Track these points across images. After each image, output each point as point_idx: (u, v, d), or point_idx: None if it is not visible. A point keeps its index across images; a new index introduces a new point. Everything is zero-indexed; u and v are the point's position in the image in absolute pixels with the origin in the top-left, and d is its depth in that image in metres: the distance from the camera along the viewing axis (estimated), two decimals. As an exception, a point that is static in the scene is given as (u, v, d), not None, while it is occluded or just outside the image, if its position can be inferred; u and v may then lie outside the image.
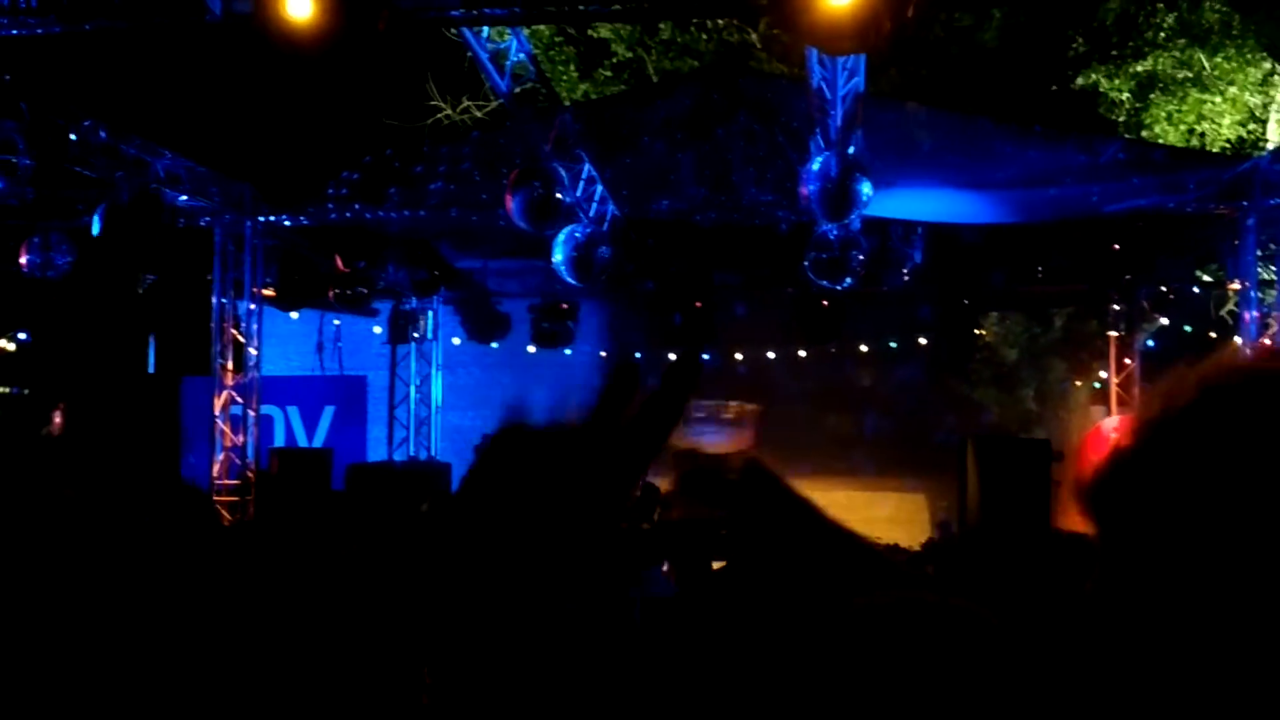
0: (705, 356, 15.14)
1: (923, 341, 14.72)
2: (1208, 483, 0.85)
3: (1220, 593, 0.83)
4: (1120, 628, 0.88)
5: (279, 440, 14.65)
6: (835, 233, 10.59)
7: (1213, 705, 0.82)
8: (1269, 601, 0.81)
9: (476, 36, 8.05)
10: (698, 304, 13.99)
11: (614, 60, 15.24)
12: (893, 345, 15.07)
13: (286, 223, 12.15)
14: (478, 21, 7.48)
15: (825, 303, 13.46)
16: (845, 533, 1.62)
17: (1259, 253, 10.93)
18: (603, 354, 15.48)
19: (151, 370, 15.76)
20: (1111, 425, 14.26)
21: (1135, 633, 0.87)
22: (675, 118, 11.38)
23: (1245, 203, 10.56)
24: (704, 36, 14.53)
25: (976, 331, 14.28)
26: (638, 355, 15.42)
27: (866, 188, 8.68)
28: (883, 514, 14.03)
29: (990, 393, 15.69)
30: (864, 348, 15.04)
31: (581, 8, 7.28)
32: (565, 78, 15.20)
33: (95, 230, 10.06)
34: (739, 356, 15.33)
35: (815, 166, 8.73)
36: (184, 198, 11.11)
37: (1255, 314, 10.92)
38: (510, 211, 9.60)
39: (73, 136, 9.70)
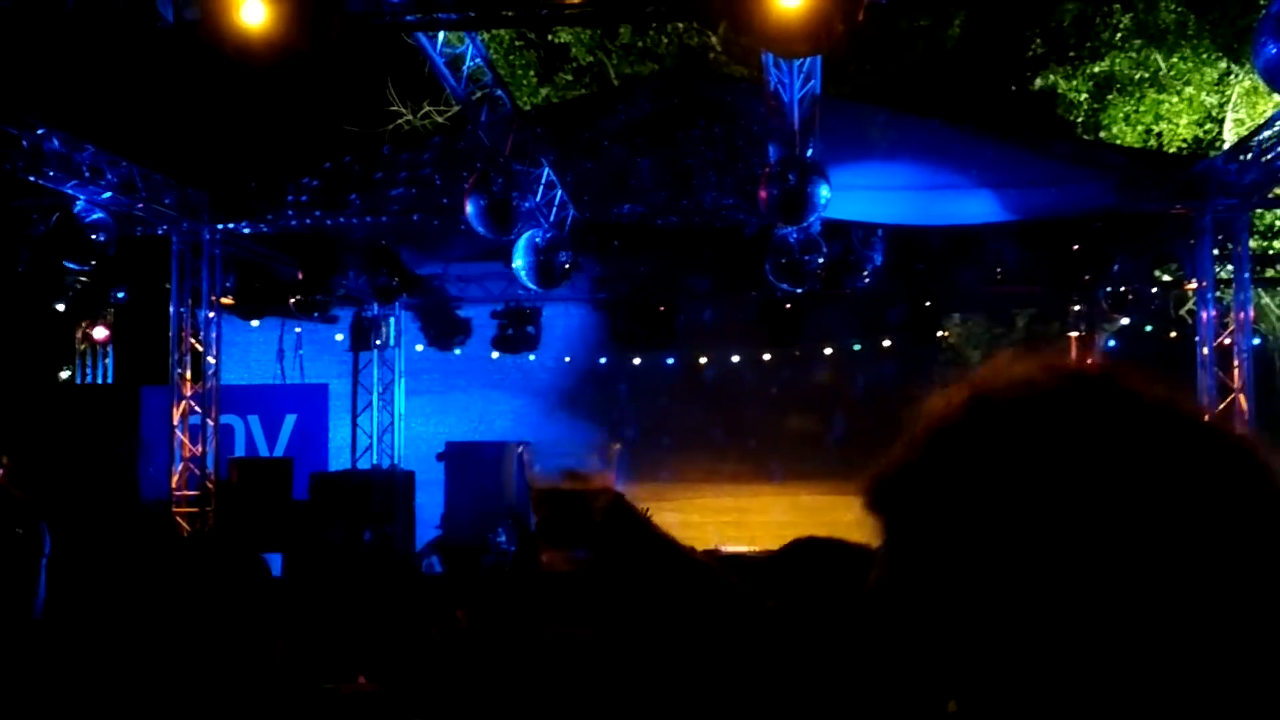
0: (670, 360, 15.14)
1: (887, 343, 14.75)
2: (971, 497, 0.89)
3: (985, 599, 0.87)
4: (896, 626, 0.94)
5: (239, 450, 14.52)
6: (795, 236, 10.60)
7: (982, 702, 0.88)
8: (1026, 608, 0.84)
9: (432, 42, 8.00)
10: (660, 308, 13.99)
11: (574, 64, 15.21)
12: (856, 348, 15.09)
13: (245, 230, 12.04)
14: (432, 26, 7.42)
15: (788, 305, 13.50)
16: (703, 568, 1.63)
17: (1215, 252, 11.01)
18: (567, 359, 15.43)
19: (111, 380, 15.63)
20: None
21: (909, 629, 0.93)
22: (635, 122, 11.38)
23: (1201, 203, 10.64)
24: (664, 40, 14.51)
25: (940, 333, 14.32)
26: (602, 360, 15.40)
27: (824, 191, 8.67)
28: (848, 517, 13.94)
29: (954, 394, 15.72)
30: (828, 350, 15.05)
31: (539, 12, 7.24)
32: (525, 82, 15.15)
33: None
34: (703, 360, 15.32)
35: (773, 170, 8.71)
36: (139, 206, 11.00)
37: (1213, 313, 11.00)
38: (469, 216, 9.54)
39: (25, 144, 9.58)
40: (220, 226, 11.98)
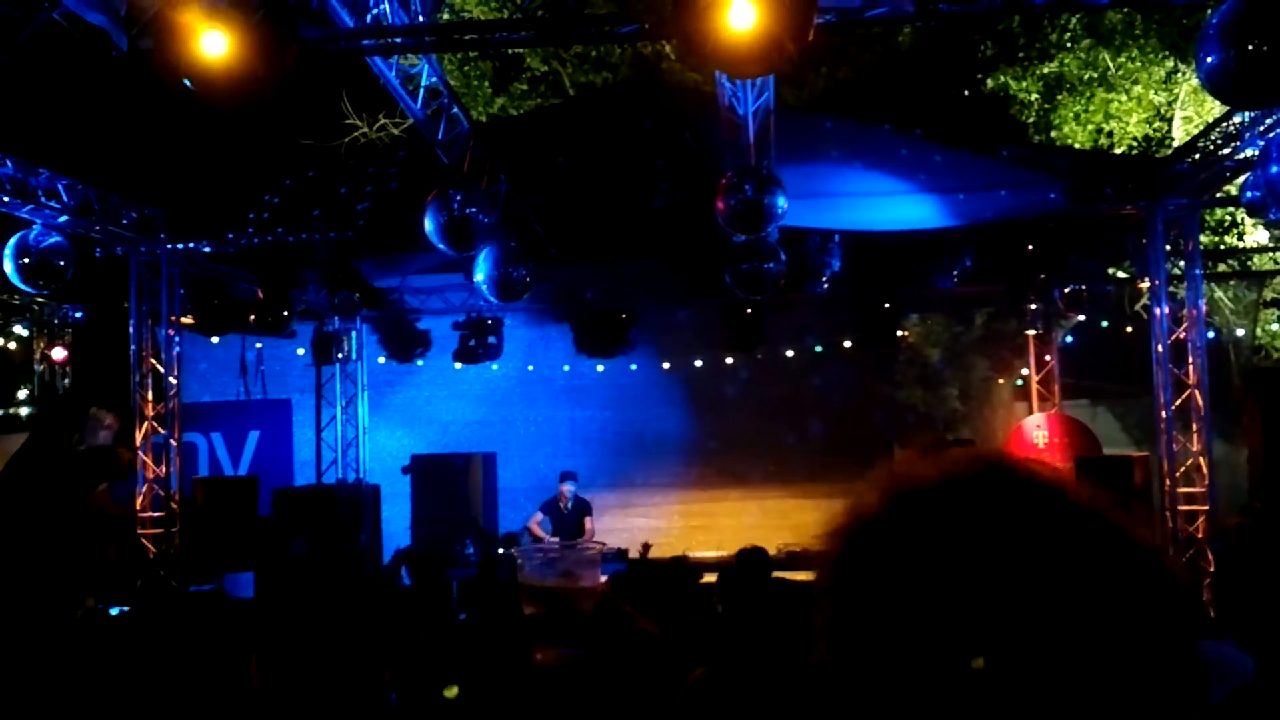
0: (633, 366, 15.19)
1: (847, 345, 14.87)
2: (895, 587, 0.98)
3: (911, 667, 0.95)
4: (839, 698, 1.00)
5: (203, 467, 14.46)
6: (752, 244, 10.68)
7: None
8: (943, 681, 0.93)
9: (386, 62, 8.01)
10: (622, 315, 14.04)
11: (529, 74, 15.22)
12: (818, 350, 15.20)
13: (207, 249, 12.00)
14: (388, 50, 7.44)
15: (749, 310, 13.58)
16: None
17: (1168, 248, 11.17)
18: (529, 368, 15.46)
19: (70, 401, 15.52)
20: (1034, 423, 14.51)
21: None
22: (591, 132, 11.41)
23: (1152, 203, 10.80)
24: (618, 49, 14.56)
25: (900, 333, 14.46)
26: (566, 368, 15.44)
27: (781, 201, 8.75)
28: (813, 518, 14.05)
29: (916, 393, 15.87)
30: (789, 353, 15.15)
31: (493, 35, 7.27)
32: (480, 93, 15.15)
33: None
34: (666, 365, 15.39)
35: (729, 181, 8.78)
36: (96, 228, 10.95)
37: (1167, 310, 11.16)
38: (429, 233, 9.55)
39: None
40: (178, 246, 11.93)
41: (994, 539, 0.96)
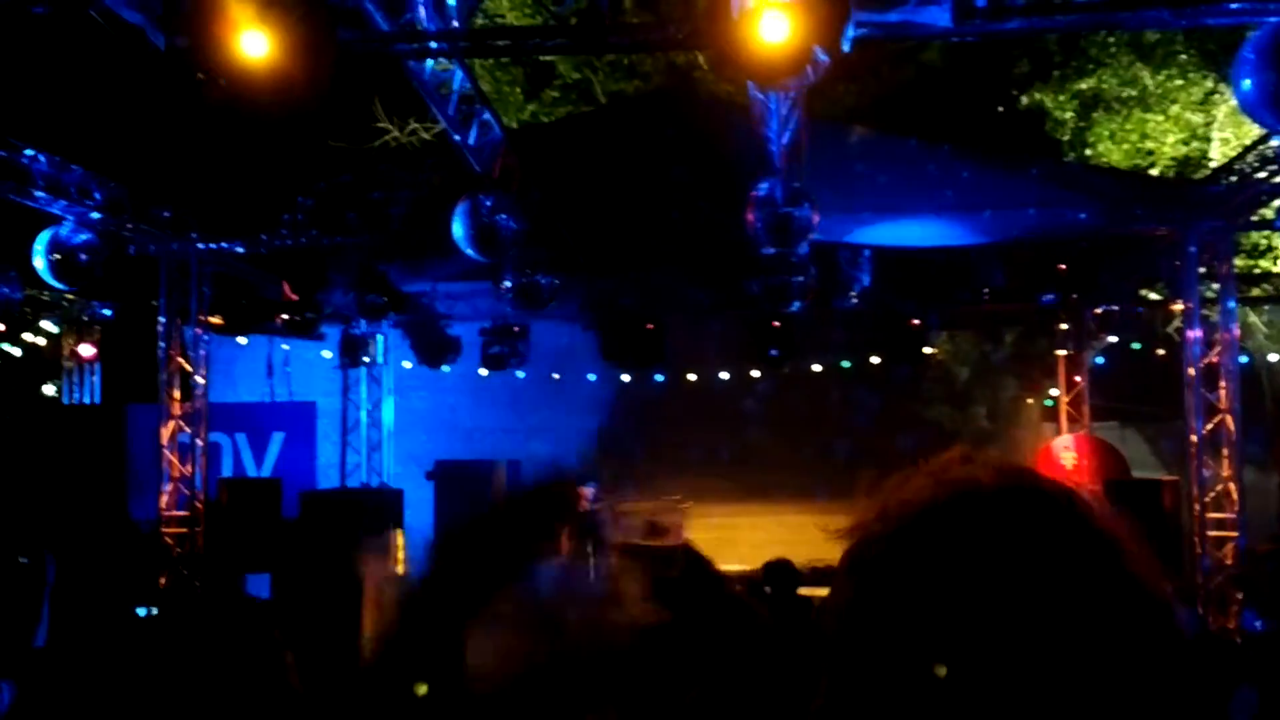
0: (658, 377, 15.15)
1: (875, 361, 14.78)
2: (933, 576, 0.99)
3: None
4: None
5: (227, 468, 14.49)
6: (782, 258, 10.63)
7: None
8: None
9: (420, 66, 8.01)
10: (649, 325, 14.00)
11: (561, 81, 15.23)
12: (845, 365, 15.12)
13: (238, 250, 12.04)
14: (421, 55, 7.44)
15: (777, 323, 13.51)
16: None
17: (1202, 270, 11.06)
18: (555, 376, 15.42)
19: (98, 398, 15.61)
20: (1062, 444, 14.38)
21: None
22: (623, 141, 11.39)
23: (1186, 225, 10.69)
24: (649, 58, 14.55)
25: (928, 350, 14.36)
26: (591, 377, 15.41)
27: (813, 216, 8.71)
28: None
29: (943, 411, 15.77)
30: (816, 368, 15.07)
31: (527, 42, 7.27)
32: (512, 99, 15.17)
33: None
34: (692, 377, 15.34)
35: (760, 193, 8.74)
36: (128, 226, 11.00)
37: (1199, 333, 11.04)
38: (457, 239, 9.55)
39: (12, 165, 9.59)
40: (209, 246, 11.98)
41: (990, 558, 0.98)
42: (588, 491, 13.57)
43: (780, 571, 8.79)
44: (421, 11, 6.96)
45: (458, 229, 9.56)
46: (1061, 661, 0.93)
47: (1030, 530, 1.00)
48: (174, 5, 6.04)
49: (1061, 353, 14.71)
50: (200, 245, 11.95)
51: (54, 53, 7.60)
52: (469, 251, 9.75)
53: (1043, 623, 0.94)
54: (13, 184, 9.54)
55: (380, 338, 14.88)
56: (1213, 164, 13.44)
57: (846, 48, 5.74)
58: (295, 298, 12.87)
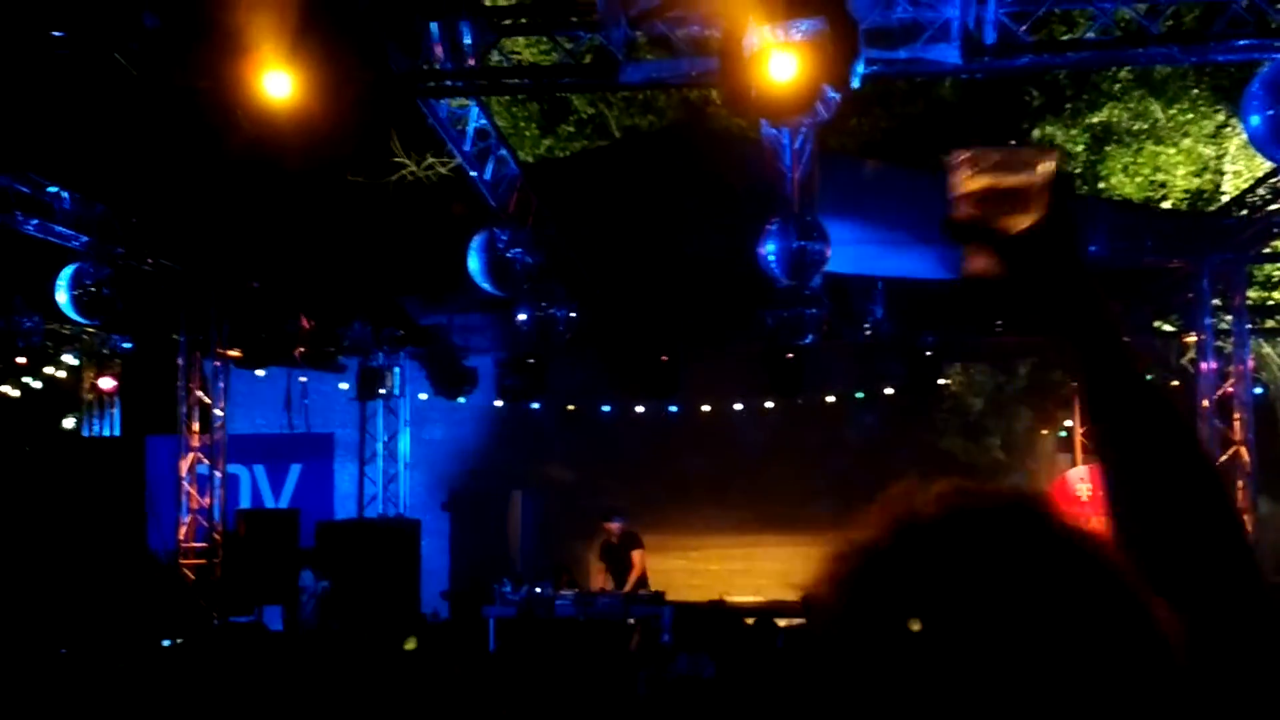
0: (672, 409, 15.21)
1: (889, 392, 14.83)
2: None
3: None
4: None
5: (244, 499, 14.60)
6: (795, 290, 10.70)
7: None
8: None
9: (436, 103, 8.14)
10: (663, 357, 14.07)
11: (576, 116, 15.37)
12: (859, 396, 15.16)
13: (256, 284, 12.18)
14: (439, 93, 7.57)
15: (790, 355, 13.57)
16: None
17: (1217, 302, 11.09)
18: (570, 408, 15.50)
19: (118, 430, 15.74)
20: (1078, 475, 14.38)
21: None
22: (638, 175, 11.50)
23: (1199, 257, 10.74)
24: (663, 94, 14.69)
25: (941, 382, 14.39)
26: (606, 409, 15.48)
27: (825, 248, 8.78)
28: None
29: (957, 442, 15.77)
30: (830, 399, 15.11)
31: (541, 80, 7.40)
32: (528, 134, 15.31)
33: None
34: (705, 408, 15.39)
35: (773, 227, 8.82)
36: (149, 261, 11.15)
37: (1213, 365, 11.07)
38: (473, 273, 9.66)
39: (36, 202, 9.76)
40: (227, 279, 12.11)
41: (988, 576, 0.97)
42: (615, 526, 13.66)
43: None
44: (439, 50, 7.09)
45: (474, 263, 9.67)
46: (1041, 669, 0.93)
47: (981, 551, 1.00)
48: (198, 47, 6.18)
49: (1076, 383, 14.71)
50: (219, 280, 12.09)
51: (76, 90, 7.75)
52: (485, 285, 9.87)
53: (1013, 631, 0.94)
54: (37, 220, 9.70)
55: (397, 370, 14.99)
56: (1225, 197, 13.48)
57: (856, 85, 5.84)
58: (312, 329, 13.00)
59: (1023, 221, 1.39)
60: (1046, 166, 1.40)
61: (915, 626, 0.96)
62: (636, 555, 13.54)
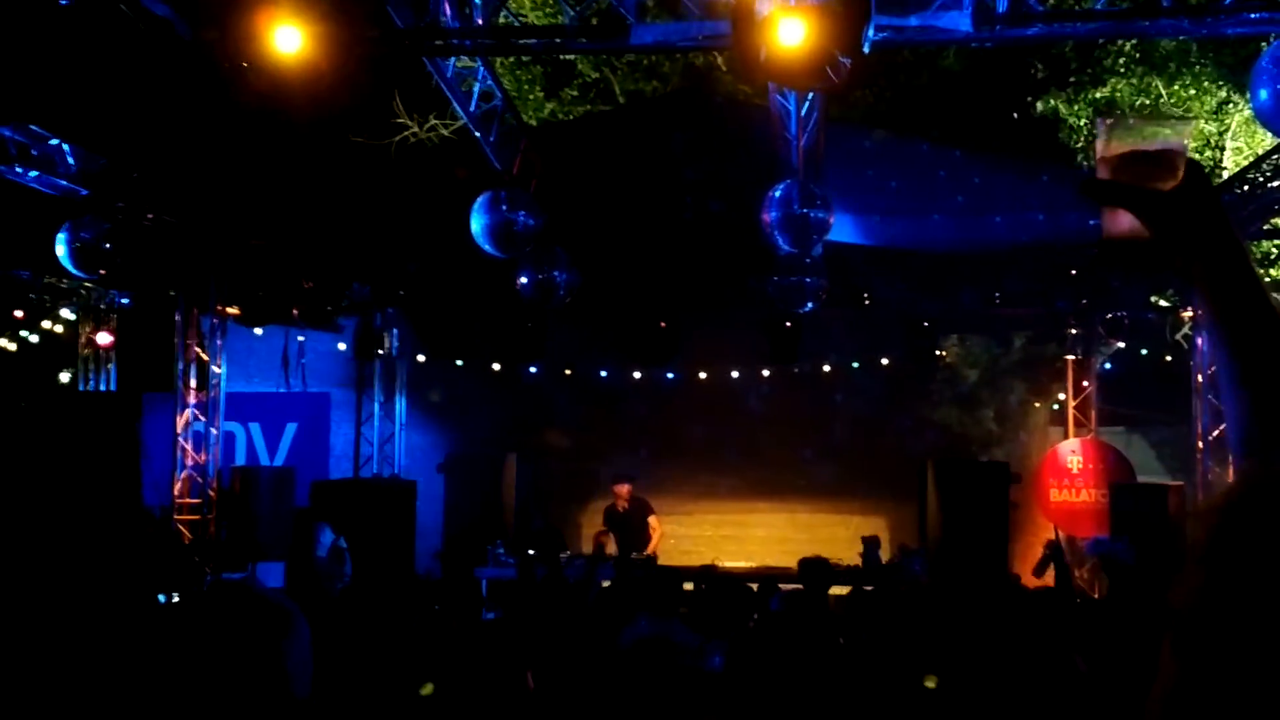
0: (670, 375, 15.24)
1: (885, 362, 14.87)
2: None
3: None
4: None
5: (240, 457, 14.61)
6: (795, 258, 10.71)
7: None
8: None
9: (442, 63, 8.12)
10: (662, 323, 14.08)
11: (580, 80, 15.34)
12: (855, 366, 15.19)
13: (257, 240, 12.14)
14: (446, 52, 7.55)
15: (788, 323, 13.59)
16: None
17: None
18: (567, 372, 15.51)
19: (114, 386, 15.73)
20: (1069, 448, 14.45)
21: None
22: (642, 140, 11.50)
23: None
24: (668, 59, 14.66)
25: (938, 353, 14.43)
26: (603, 374, 15.50)
27: (828, 217, 8.78)
28: (845, 534, 14.16)
29: (951, 413, 15.84)
30: (826, 368, 15.15)
31: (550, 40, 7.38)
32: (532, 97, 15.27)
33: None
34: (703, 376, 15.41)
35: (777, 194, 8.82)
36: (149, 215, 11.11)
37: (1207, 339, 11.11)
38: (475, 235, 9.64)
39: (36, 154, 9.72)
40: (227, 236, 12.08)
41: None
42: (625, 489, 13.71)
43: (815, 569, 8.89)
44: (446, 9, 7.06)
45: (476, 225, 9.65)
46: None
47: None
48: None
49: (1070, 357, 14.78)
50: (219, 236, 12.06)
51: (79, 43, 7.71)
52: (486, 247, 9.85)
53: None
54: (37, 172, 9.66)
55: (395, 330, 14.99)
56: (1226, 173, 13.50)
57: (867, 50, 5.83)
58: (311, 287, 12.99)
59: (1168, 184, 1.46)
60: (1185, 133, 1.48)
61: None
62: (653, 521, 13.63)
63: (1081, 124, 14.78)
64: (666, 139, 11.26)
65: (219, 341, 13.00)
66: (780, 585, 9.06)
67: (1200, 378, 11.11)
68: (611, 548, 13.14)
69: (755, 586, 9.30)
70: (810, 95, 7.93)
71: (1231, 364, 1.44)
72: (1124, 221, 1.49)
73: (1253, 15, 5.83)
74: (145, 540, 11.93)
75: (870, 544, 13.27)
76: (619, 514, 13.69)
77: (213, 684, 2.36)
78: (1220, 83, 14.22)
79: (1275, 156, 9.67)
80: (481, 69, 8.52)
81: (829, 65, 5.65)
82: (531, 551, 12.13)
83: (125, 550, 11.44)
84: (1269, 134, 8.93)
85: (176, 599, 10.98)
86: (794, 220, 8.59)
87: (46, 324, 14.99)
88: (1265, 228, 11.44)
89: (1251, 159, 11.42)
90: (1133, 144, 1.48)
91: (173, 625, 2.57)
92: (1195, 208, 1.46)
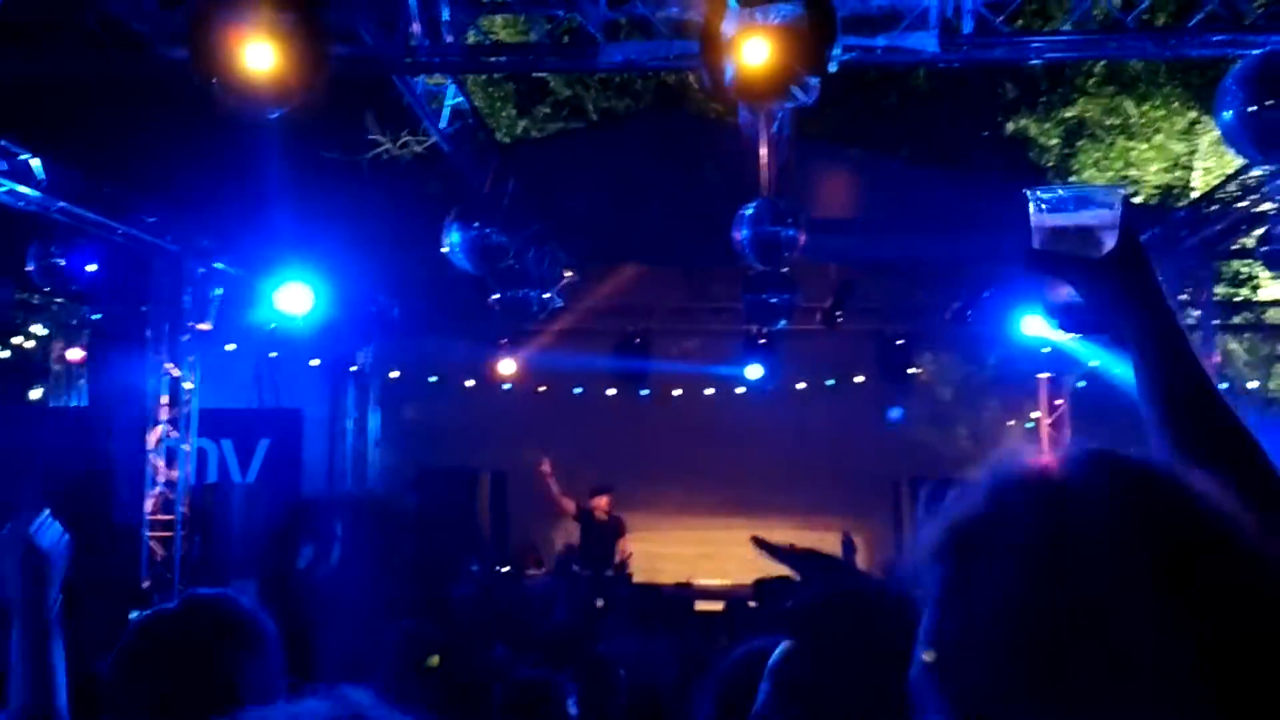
0: (644, 392, 15.25)
1: (859, 380, 14.92)
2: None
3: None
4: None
5: (212, 473, 14.51)
6: (768, 275, 10.75)
7: None
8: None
9: (413, 81, 8.13)
10: (636, 340, 14.12)
11: (553, 98, 15.36)
12: (829, 383, 15.24)
13: (229, 255, 12.12)
14: (415, 70, 7.56)
15: (762, 340, 13.65)
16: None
17: (1183, 297, 11.19)
18: (541, 389, 15.50)
19: (85, 402, 15.64)
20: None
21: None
22: (614, 158, 11.52)
23: (1166, 253, 10.84)
24: (641, 77, 14.71)
25: (911, 370, 14.49)
26: (577, 390, 15.49)
27: (799, 234, 8.82)
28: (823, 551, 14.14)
29: (926, 430, 15.89)
30: (801, 385, 15.19)
31: (520, 58, 7.40)
32: (504, 115, 15.28)
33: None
34: (676, 392, 15.44)
35: (748, 212, 8.85)
36: (120, 231, 11.06)
37: (1178, 359, 11.17)
38: (450, 252, 9.65)
39: (4, 167, 9.67)
40: (200, 251, 12.05)
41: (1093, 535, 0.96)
42: (604, 501, 13.71)
43: (774, 590, 8.87)
44: (416, 27, 7.07)
45: (448, 242, 9.66)
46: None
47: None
48: (178, 18, 6.15)
49: (1044, 375, 14.85)
50: (191, 250, 12.02)
51: (52, 57, 7.69)
52: (461, 264, 9.86)
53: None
54: (9, 187, 9.60)
55: (369, 347, 14.96)
56: (1195, 193, 13.60)
57: (833, 69, 5.87)
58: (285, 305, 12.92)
59: (1099, 252, 1.58)
60: (1116, 203, 1.59)
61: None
62: (624, 545, 13.65)
63: (1052, 144, 14.89)
64: (640, 156, 11.29)
65: (190, 357, 12.92)
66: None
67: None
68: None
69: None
70: (781, 114, 7.97)
71: (1152, 410, 1.56)
72: (1063, 289, 1.62)
73: (1215, 38, 5.90)
74: (116, 557, 11.83)
75: (848, 545, 13.34)
76: (595, 522, 13.67)
77: (155, 693, 2.35)
78: (1189, 104, 14.35)
79: (1243, 176, 9.76)
80: (453, 86, 8.54)
81: (794, 84, 5.68)
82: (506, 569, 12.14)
83: (95, 567, 11.34)
84: (1235, 157, 9.01)
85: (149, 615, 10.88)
86: (765, 238, 8.63)
87: (17, 340, 14.90)
88: (1234, 248, 11.53)
89: (1220, 179, 11.51)
90: (1064, 220, 1.59)
91: (134, 639, 2.55)
92: (1126, 278, 1.57)
